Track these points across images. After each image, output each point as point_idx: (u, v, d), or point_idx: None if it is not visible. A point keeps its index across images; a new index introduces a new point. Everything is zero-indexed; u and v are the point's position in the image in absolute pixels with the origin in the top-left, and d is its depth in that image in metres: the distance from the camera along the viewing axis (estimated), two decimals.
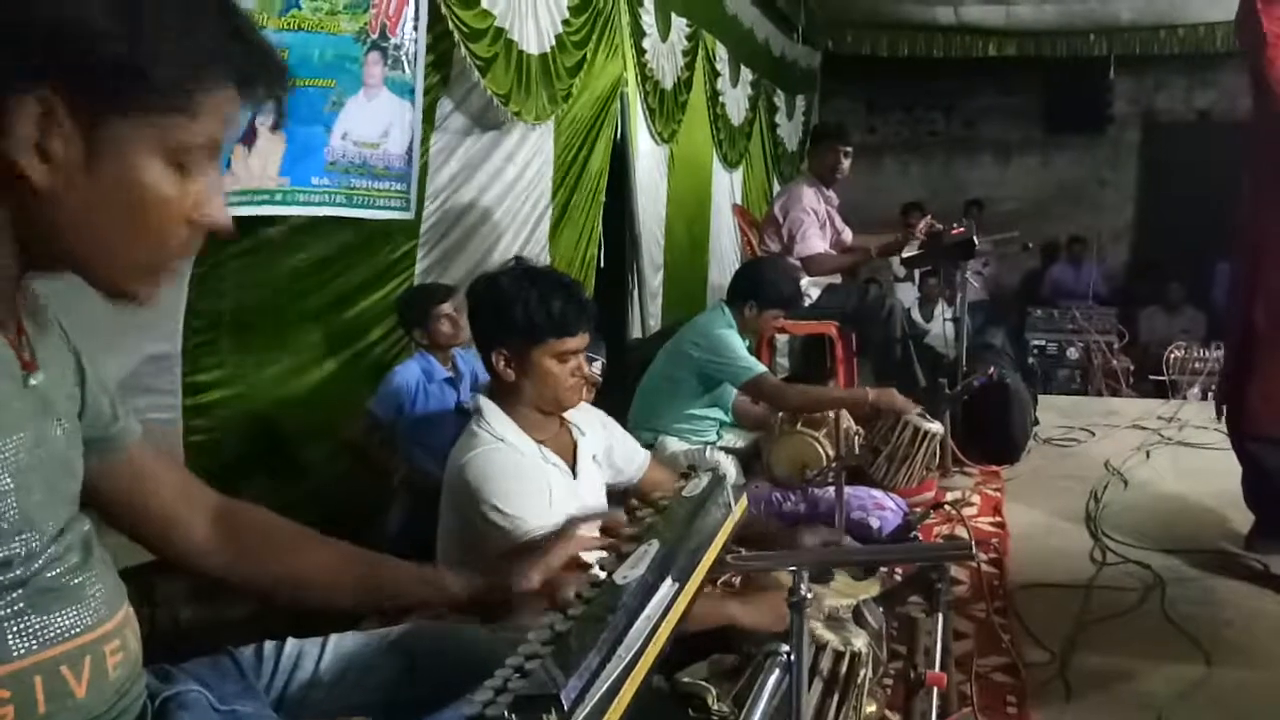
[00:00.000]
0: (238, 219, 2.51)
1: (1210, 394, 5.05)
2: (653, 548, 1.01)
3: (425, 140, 3.12)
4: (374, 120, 2.80)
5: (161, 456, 1.05)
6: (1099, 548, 2.99)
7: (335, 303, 2.97)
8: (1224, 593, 2.68)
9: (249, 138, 2.34)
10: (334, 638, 1.08)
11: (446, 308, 3.03)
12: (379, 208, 2.88)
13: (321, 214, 2.68)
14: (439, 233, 3.29)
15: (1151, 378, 6.26)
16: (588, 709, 0.73)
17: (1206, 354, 5.89)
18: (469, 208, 3.40)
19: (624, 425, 3.16)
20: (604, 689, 0.77)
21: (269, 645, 1.05)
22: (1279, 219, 2.53)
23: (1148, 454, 4.08)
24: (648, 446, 3.03)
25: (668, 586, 0.95)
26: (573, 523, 1.21)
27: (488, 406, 1.72)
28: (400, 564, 1.10)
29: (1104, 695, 2.15)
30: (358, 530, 2.85)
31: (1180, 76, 8.83)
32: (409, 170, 2.95)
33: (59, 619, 0.80)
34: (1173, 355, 6.17)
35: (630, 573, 0.95)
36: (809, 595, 1.15)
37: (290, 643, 1.06)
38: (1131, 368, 6.48)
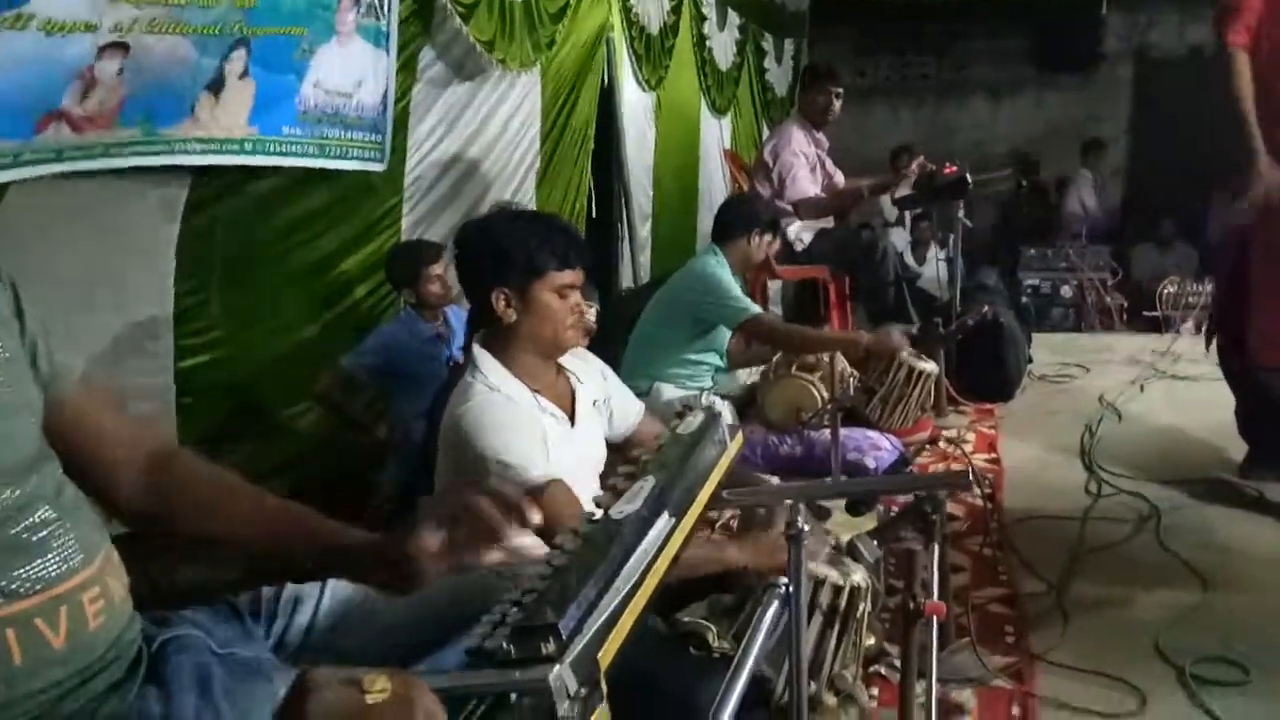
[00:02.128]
0: (218, 173, 2.50)
1: (1203, 328, 5.05)
2: (649, 483, 1.01)
3: (406, 91, 3.07)
4: (347, 69, 2.75)
5: (102, 402, 1.02)
6: (1094, 480, 3.01)
7: (321, 261, 2.94)
8: (1219, 520, 2.70)
9: (216, 86, 2.29)
10: (332, 583, 1.07)
11: (436, 268, 3.00)
12: (353, 158, 2.83)
13: (293, 165, 2.63)
14: (424, 186, 3.25)
15: (1145, 314, 6.27)
16: (586, 639, 0.73)
17: (1199, 289, 5.89)
18: (454, 160, 3.36)
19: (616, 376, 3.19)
20: (602, 620, 0.77)
21: (267, 591, 1.05)
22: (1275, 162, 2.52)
23: (1141, 388, 4.09)
24: (642, 395, 3.04)
25: (664, 521, 0.94)
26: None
27: (482, 356, 1.71)
28: (324, 524, 1.03)
29: (1101, 622, 2.18)
30: (350, 489, 2.87)
31: (1173, 11, 8.70)
32: (383, 120, 2.90)
33: (27, 573, 0.79)
34: (1166, 291, 6.17)
35: (626, 508, 0.94)
36: (806, 527, 1.16)
37: (289, 588, 1.06)
38: (1125, 304, 6.49)
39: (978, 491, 2.27)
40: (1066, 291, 6.55)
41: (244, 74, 2.38)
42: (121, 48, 2.07)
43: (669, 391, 3.05)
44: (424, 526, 0.94)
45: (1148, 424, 3.61)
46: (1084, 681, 1.92)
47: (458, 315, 3.11)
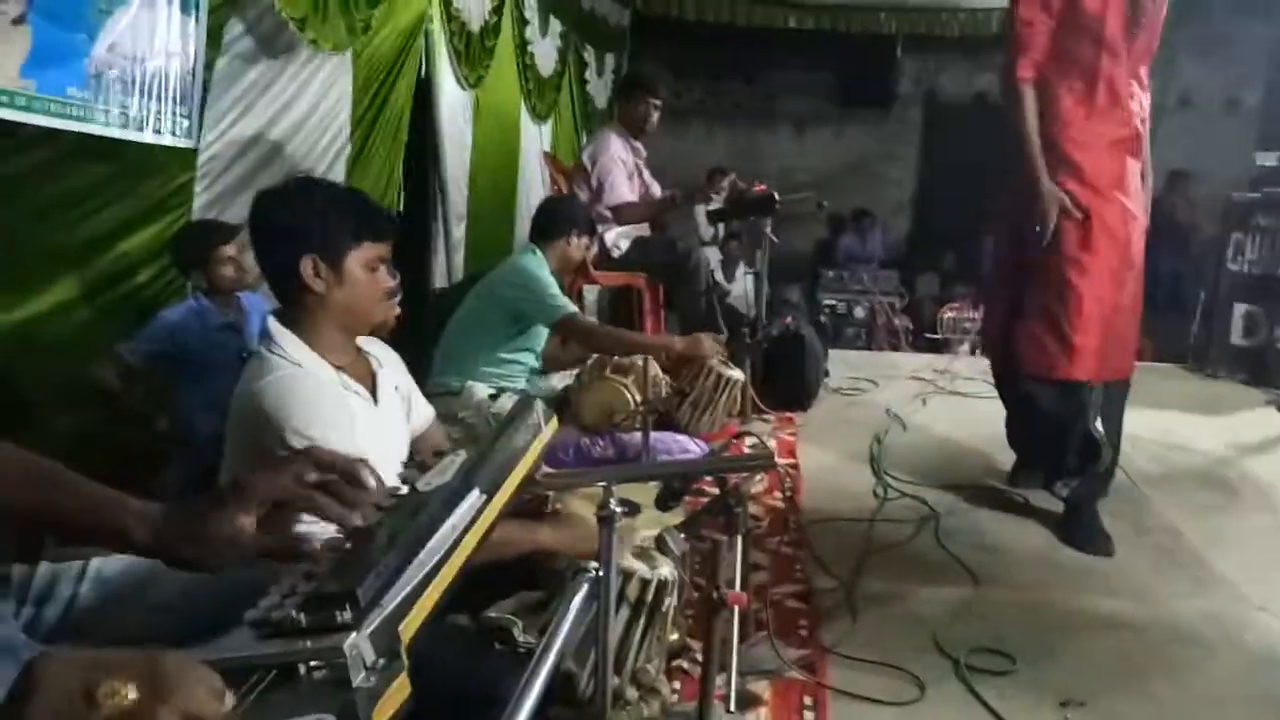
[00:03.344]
0: None
1: (978, 350, 5.50)
2: (459, 458, 0.97)
3: (210, 64, 2.87)
4: (149, 34, 2.54)
5: None
6: (881, 485, 3.19)
7: (98, 239, 2.67)
8: (990, 523, 2.93)
9: None
10: (96, 561, 0.95)
11: (229, 249, 2.80)
12: (157, 131, 2.62)
13: (82, 130, 2.40)
14: (220, 165, 3.03)
15: (927, 336, 6.78)
16: (386, 610, 0.69)
17: (975, 315, 6.42)
18: (255, 140, 3.15)
19: (427, 374, 3.09)
20: (405, 592, 0.72)
21: (19, 568, 0.91)
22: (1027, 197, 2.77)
23: (924, 402, 4.39)
24: (454, 394, 2.97)
25: (475, 496, 0.91)
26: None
27: (278, 331, 1.60)
28: (84, 484, 0.89)
29: (885, 615, 2.30)
30: (123, 489, 2.60)
31: (961, 59, 9.47)
32: (191, 92, 2.70)
33: None
34: (946, 316, 6.69)
35: (435, 480, 0.90)
36: (618, 509, 1.15)
37: (43, 565, 0.93)
38: (910, 326, 6.99)
39: (779, 475, 2.34)
40: (860, 312, 7.00)
41: (19, 20, 2.14)
42: None
43: (481, 391, 2.99)
44: (244, 504, 0.84)
45: (929, 435, 3.87)
46: (870, 672, 2.02)
47: (252, 301, 2.92)
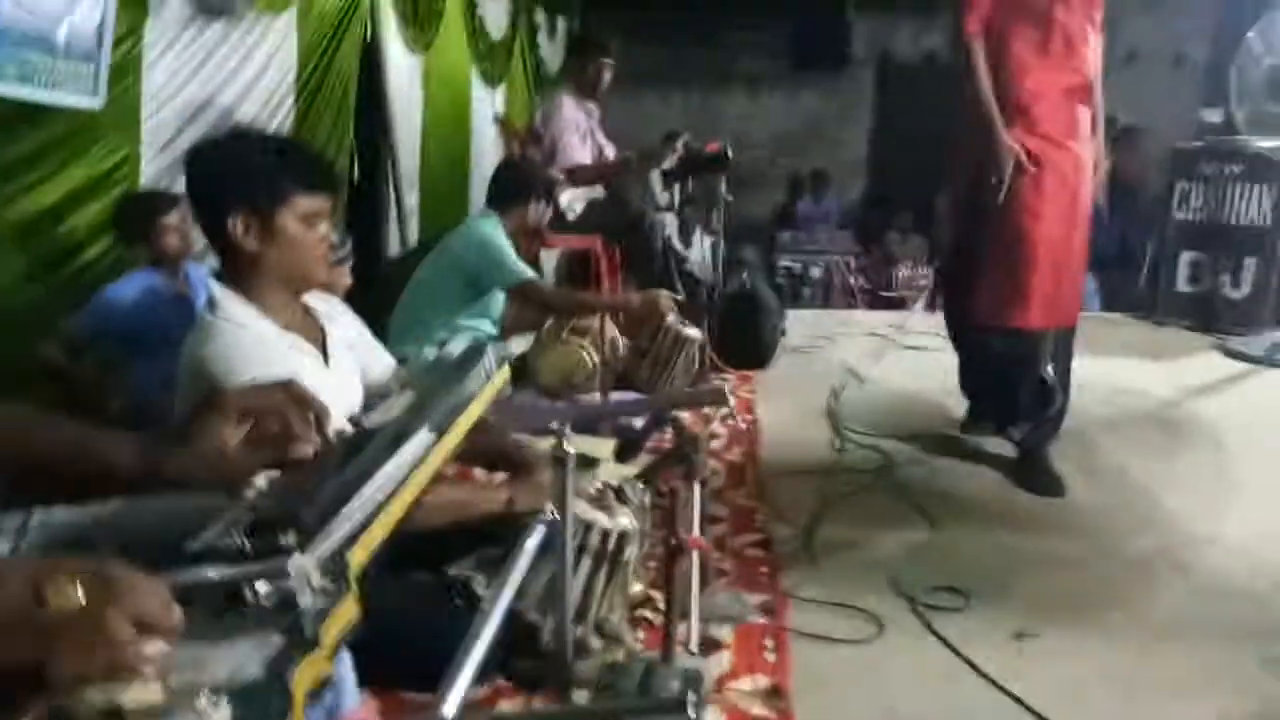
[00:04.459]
0: None
1: (933, 304, 5.56)
2: (406, 397, 0.97)
3: (138, 28, 2.79)
4: None
5: None
6: (838, 437, 3.23)
7: (41, 215, 2.60)
8: (944, 469, 2.98)
9: None
10: (39, 511, 0.94)
11: (173, 218, 2.75)
12: (63, 90, 2.52)
13: None
14: (167, 134, 2.96)
15: (883, 294, 6.85)
16: (334, 538, 0.69)
17: (928, 272, 6.50)
18: (201, 107, 3.09)
19: (383, 344, 3.06)
20: (353, 521, 0.72)
21: None
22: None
23: (880, 357, 4.45)
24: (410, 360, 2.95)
25: (425, 434, 0.91)
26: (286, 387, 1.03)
27: (223, 293, 1.56)
28: (64, 424, 0.95)
29: (844, 560, 2.34)
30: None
31: (911, 19, 9.49)
32: (98, 51, 2.60)
33: None
34: (900, 274, 6.77)
35: (381, 418, 0.90)
36: (571, 450, 1.15)
37: None
38: (866, 285, 7.07)
39: (728, 411, 2.37)
40: (816, 272, 7.06)
41: None
42: None
43: (433, 354, 2.97)
44: (222, 414, 0.88)
45: (885, 388, 3.92)
46: (830, 613, 2.05)
47: (200, 273, 2.87)
